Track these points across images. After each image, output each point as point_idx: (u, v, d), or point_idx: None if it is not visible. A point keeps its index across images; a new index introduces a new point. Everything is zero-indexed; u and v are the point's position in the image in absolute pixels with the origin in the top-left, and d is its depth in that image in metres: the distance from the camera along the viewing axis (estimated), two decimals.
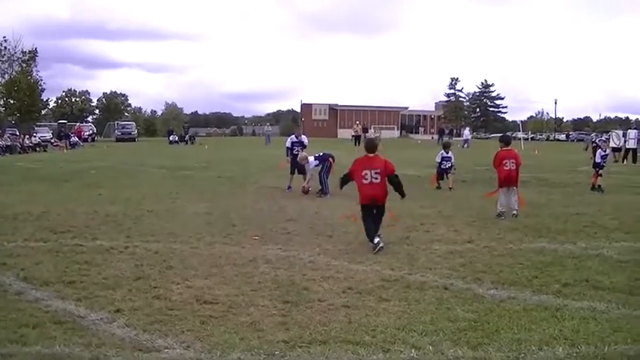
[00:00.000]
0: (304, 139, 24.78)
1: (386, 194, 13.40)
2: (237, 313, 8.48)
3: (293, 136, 24.91)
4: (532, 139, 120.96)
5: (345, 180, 14.16)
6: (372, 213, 13.39)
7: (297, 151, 23.67)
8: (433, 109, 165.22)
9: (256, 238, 13.94)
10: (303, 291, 9.59)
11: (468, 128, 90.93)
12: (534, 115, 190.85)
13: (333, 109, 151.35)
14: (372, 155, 13.42)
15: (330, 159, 22.85)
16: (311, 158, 22.72)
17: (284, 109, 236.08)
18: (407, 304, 8.92)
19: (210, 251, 12.57)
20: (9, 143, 63.07)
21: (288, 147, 24.32)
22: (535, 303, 9.01)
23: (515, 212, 17.08)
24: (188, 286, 9.87)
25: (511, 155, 17.58)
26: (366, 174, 13.11)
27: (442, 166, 24.56)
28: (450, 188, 23.44)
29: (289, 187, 23.54)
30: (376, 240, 12.71)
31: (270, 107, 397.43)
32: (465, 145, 75.26)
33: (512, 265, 11.35)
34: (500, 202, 17.35)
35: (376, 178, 13.09)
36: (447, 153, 24.55)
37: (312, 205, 18.90)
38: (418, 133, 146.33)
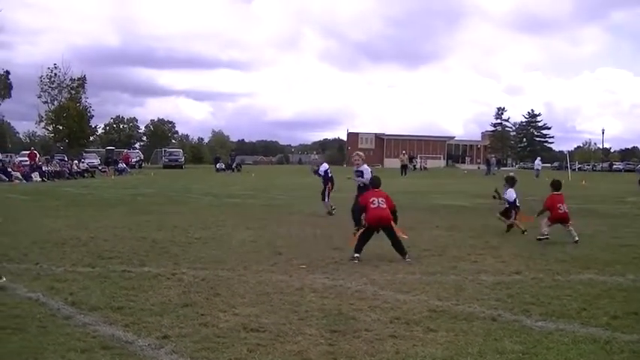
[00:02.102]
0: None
1: (390, 217, 15.38)
2: (284, 341, 8.47)
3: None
4: (579, 169, 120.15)
5: (362, 213, 16.11)
6: (372, 235, 15.35)
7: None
8: (479, 139, 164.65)
9: (303, 266, 13.94)
10: (350, 320, 9.56)
11: (539, 158, 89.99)
12: (581, 145, 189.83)
13: (379, 139, 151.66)
14: (377, 190, 16.09)
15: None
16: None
17: (330, 137, 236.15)
18: (454, 334, 8.86)
19: (257, 279, 12.55)
20: (58, 169, 63.82)
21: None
22: (584, 335, 8.90)
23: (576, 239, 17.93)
24: (235, 314, 9.87)
25: (561, 199, 18.75)
26: (374, 201, 15.40)
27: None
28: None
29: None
30: (356, 255, 14.91)
31: (317, 136, 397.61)
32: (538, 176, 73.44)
33: (560, 297, 11.23)
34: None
35: (382, 204, 15.39)
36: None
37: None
38: (464, 162, 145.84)
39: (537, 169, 78.80)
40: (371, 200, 15.46)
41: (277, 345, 8.32)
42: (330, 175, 25.92)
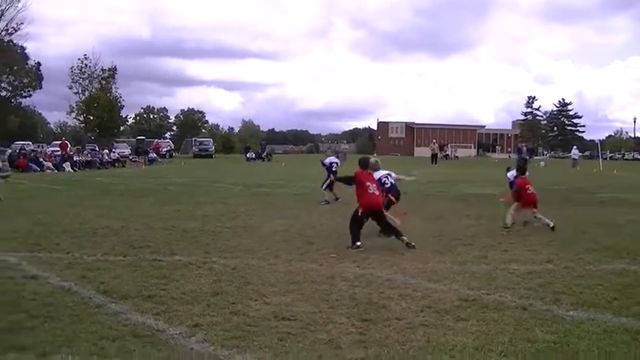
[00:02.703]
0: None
1: (382, 204, 15.83)
2: (315, 330, 8.48)
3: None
4: (610, 158, 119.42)
5: (347, 181, 16.31)
6: (364, 222, 15.50)
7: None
8: (510, 128, 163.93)
9: (333, 255, 13.95)
10: (381, 309, 9.56)
11: (575, 147, 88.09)
12: (613, 134, 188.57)
13: (409, 128, 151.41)
14: (369, 172, 16.19)
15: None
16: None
17: (360, 127, 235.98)
18: (485, 324, 8.84)
19: (288, 268, 12.59)
20: (89, 159, 64.12)
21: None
22: (615, 325, 8.84)
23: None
24: (266, 303, 9.90)
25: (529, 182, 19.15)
26: (369, 186, 15.33)
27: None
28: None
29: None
30: (358, 243, 14.87)
31: (347, 125, 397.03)
32: (575, 166, 73.03)
33: (591, 287, 11.16)
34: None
35: (376, 190, 15.58)
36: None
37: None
38: (495, 151, 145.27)
39: (574, 159, 77.68)
40: (367, 184, 15.36)
41: (308, 333, 8.33)
42: (334, 168, 26.69)
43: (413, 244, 14.91)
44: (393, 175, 18.48)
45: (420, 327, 8.65)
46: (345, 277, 11.80)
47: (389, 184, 17.79)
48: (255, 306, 9.69)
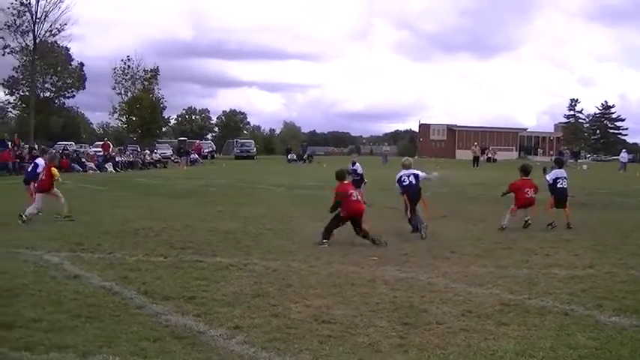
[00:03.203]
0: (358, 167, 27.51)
1: (364, 210, 16.71)
2: (355, 333, 8.48)
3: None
4: None
5: (336, 205, 16.59)
6: (344, 224, 16.43)
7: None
8: (552, 131, 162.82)
9: (375, 258, 13.93)
10: (421, 313, 9.54)
11: (624, 150, 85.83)
12: None
13: (451, 130, 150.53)
14: (348, 182, 17.65)
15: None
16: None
17: (402, 129, 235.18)
18: (526, 328, 8.79)
19: (329, 271, 12.60)
20: (131, 159, 64.75)
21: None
22: None
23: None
24: (306, 305, 9.92)
25: (529, 184, 19.39)
26: (352, 193, 16.59)
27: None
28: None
29: None
30: (325, 241, 15.93)
31: (388, 127, 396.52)
32: (622, 169, 71.60)
33: (634, 292, 11.06)
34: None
35: (359, 197, 17.15)
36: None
37: (429, 226, 18.76)
38: (537, 154, 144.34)
39: (623, 162, 75.07)
40: (350, 193, 16.55)
41: (348, 337, 8.33)
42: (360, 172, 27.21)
43: (382, 240, 15.91)
44: (421, 174, 18.62)
45: (461, 331, 8.62)
46: (385, 280, 11.80)
47: (407, 182, 18.24)
48: (296, 308, 9.71)
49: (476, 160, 78.53)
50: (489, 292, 11.02)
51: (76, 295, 10.21)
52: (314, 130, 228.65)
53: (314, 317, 9.22)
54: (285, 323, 8.88)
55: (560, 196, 19.55)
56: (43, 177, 20.52)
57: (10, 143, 52.40)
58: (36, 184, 20.82)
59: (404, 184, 18.10)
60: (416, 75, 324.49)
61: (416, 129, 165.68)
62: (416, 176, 18.42)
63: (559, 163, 20.68)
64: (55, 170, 20.54)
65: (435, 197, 23.02)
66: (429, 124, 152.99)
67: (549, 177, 19.97)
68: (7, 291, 10.46)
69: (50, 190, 20.22)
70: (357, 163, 27.73)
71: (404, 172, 18.48)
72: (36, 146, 60.29)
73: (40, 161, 22.27)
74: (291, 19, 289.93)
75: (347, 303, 10.12)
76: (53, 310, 9.35)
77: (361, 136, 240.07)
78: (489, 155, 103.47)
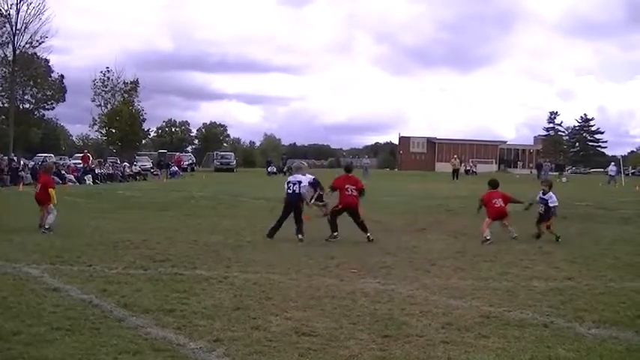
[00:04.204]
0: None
1: (357, 203, 19.31)
2: (335, 346, 8.47)
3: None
4: (632, 174, 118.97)
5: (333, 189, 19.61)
6: (340, 215, 19.13)
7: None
8: (532, 143, 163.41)
9: (354, 271, 13.94)
10: (402, 325, 9.54)
11: (612, 163, 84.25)
12: (635, 149, 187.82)
13: (431, 142, 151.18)
14: (350, 175, 20.19)
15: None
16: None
17: (382, 141, 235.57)
18: (506, 341, 8.80)
19: (309, 283, 12.57)
20: (110, 171, 64.57)
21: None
22: (638, 344, 8.81)
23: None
24: (287, 318, 9.89)
25: (497, 195, 20.11)
26: (348, 188, 19.14)
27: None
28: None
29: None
30: (335, 234, 18.98)
31: (369, 140, 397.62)
32: (611, 182, 69.85)
33: (613, 304, 11.11)
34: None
35: (354, 192, 19.28)
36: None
37: (410, 239, 18.75)
38: (517, 167, 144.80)
39: (611, 175, 73.08)
40: (346, 187, 19.19)
41: (329, 349, 8.33)
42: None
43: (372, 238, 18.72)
44: (304, 184, 19.55)
45: (441, 344, 8.63)
46: (366, 292, 11.78)
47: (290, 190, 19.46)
48: (276, 321, 9.69)
49: (455, 172, 78.62)
50: (469, 304, 11.03)
51: (56, 308, 10.14)
52: (294, 143, 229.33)
53: (294, 330, 9.19)
54: (265, 336, 8.85)
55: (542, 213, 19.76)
56: (38, 190, 20.76)
57: None
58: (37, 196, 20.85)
59: (287, 191, 19.38)
60: (396, 88, 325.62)
61: (396, 141, 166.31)
62: (299, 183, 19.36)
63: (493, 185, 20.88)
64: (52, 192, 20.55)
65: (415, 210, 23.02)
66: (409, 137, 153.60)
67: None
68: None
69: (46, 205, 20.32)
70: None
71: (290, 177, 20.05)
72: (15, 158, 60.15)
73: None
74: (273, 32, 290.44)
75: (327, 315, 10.11)
76: (33, 322, 9.29)
77: (341, 149, 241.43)
78: (469, 168, 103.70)
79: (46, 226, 19.72)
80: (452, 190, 49.99)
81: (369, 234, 18.98)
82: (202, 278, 12.85)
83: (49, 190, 20.44)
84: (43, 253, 15.61)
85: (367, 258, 15.60)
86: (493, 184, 20.66)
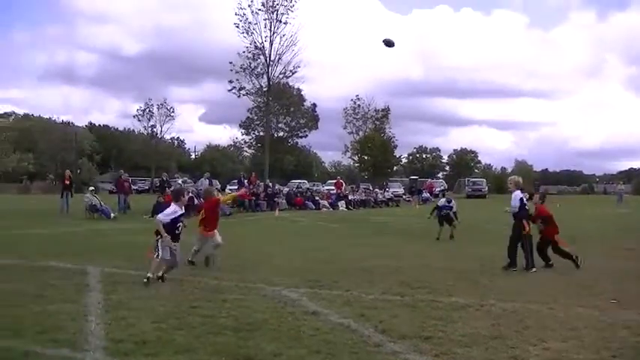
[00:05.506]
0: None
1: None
2: None
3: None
4: None
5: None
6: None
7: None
8: None
9: (614, 301, 13.50)
10: None
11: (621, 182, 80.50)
12: None
13: None
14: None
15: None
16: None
17: (637, 167, 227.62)
18: None
19: (567, 313, 12.28)
20: (363, 197, 65.42)
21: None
22: None
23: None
24: (545, 348, 9.70)
25: None
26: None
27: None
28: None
29: None
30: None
31: (622, 165, 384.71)
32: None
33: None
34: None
35: None
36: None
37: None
38: None
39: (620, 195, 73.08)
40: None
41: None
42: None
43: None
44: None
45: None
46: (627, 325, 11.35)
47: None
48: (534, 351, 9.53)
49: None
50: None
51: (315, 332, 10.38)
52: (546, 169, 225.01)
53: None
54: None
55: None
56: (203, 216, 18.28)
57: (246, 181, 53.89)
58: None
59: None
60: None
61: None
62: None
63: None
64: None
65: None
66: None
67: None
68: (247, 324, 10.79)
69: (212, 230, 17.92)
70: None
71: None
72: (270, 184, 62.14)
73: None
74: (521, 57, 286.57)
75: (587, 347, 9.84)
76: (292, 345, 9.56)
77: (594, 175, 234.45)
78: None
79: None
80: None
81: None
82: (459, 305, 12.80)
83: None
84: (301, 277, 16.00)
85: (629, 287, 15.10)
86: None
